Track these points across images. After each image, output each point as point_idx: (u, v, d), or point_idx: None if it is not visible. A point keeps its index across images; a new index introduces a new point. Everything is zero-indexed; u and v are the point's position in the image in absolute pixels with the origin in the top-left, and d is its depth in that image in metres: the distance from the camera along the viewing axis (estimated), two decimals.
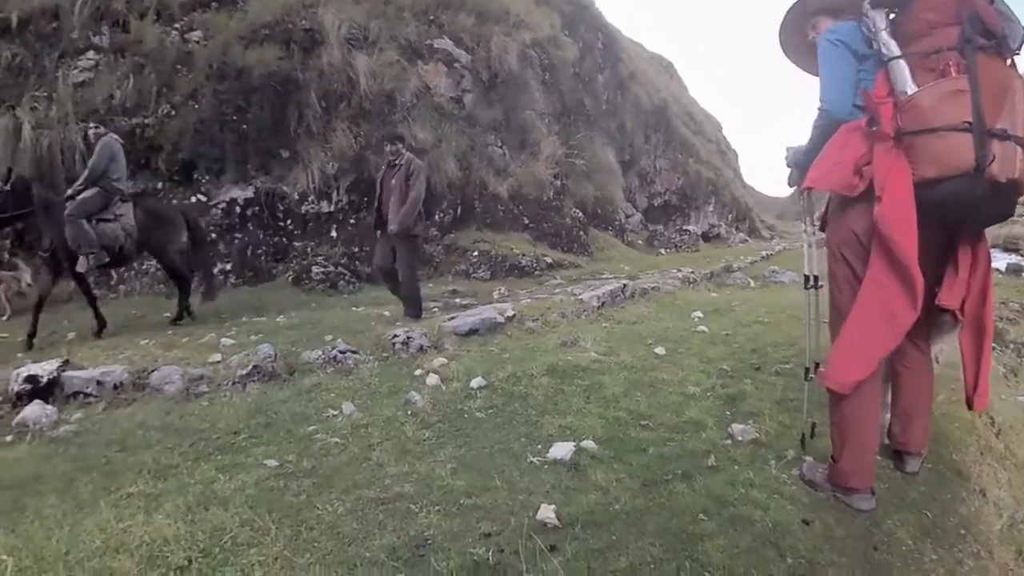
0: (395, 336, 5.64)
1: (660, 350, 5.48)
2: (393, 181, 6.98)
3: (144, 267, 9.56)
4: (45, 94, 9.92)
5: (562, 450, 3.35)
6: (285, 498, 2.96)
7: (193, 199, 9.96)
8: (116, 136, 7.61)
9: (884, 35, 2.62)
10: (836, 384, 2.73)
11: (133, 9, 10.85)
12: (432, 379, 4.73)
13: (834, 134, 2.74)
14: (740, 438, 3.57)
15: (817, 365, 3.55)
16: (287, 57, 10.71)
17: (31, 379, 4.49)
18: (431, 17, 12.78)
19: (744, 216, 25.72)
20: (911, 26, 2.59)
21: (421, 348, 5.56)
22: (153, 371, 4.86)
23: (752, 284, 11.40)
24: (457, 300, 8.68)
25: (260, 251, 10.09)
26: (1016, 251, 27.90)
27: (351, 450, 3.55)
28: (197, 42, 10.77)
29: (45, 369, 4.63)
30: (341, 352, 5.34)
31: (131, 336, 6.87)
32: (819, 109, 2.81)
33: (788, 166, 3.38)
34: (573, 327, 6.43)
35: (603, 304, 7.51)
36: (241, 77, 10.33)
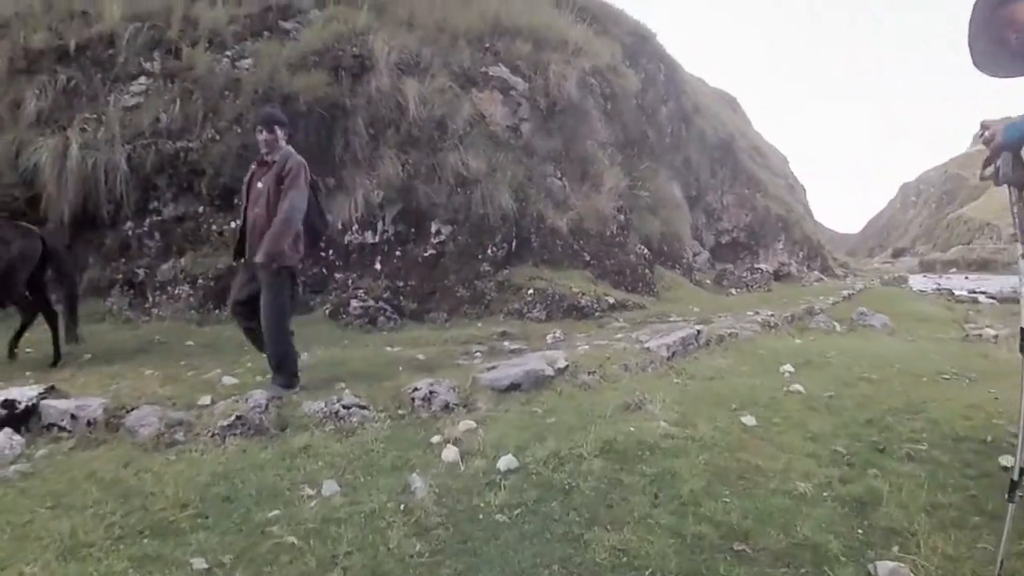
0: (416, 389, 4.53)
1: (749, 419, 4.17)
2: (260, 185, 4.87)
3: (176, 292, 8.91)
4: (95, 116, 9.57)
5: None
6: None
7: (232, 225, 9.21)
8: None
9: None
10: None
11: (186, 37, 10.50)
12: (449, 452, 3.59)
13: None
14: None
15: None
16: (335, 83, 10.00)
17: (8, 404, 4.08)
18: (486, 44, 11.87)
19: (816, 253, 23.71)
20: None
21: (446, 406, 4.44)
22: (132, 410, 4.23)
23: (838, 328, 9.86)
24: (506, 343, 7.53)
25: (298, 282, 9.16)
26: None
27: (307, 562, 2.50)
28: (247, 69, 10.18)
29: (26, 395, 4.21)
30: (346, 407, 4.28)
31: (138, 364, 6.24)
32: None
33: (997, 146, 2.16)
34: (638, 383, 5.16)
35: (673, 354, 6.22)
36: (287, 103, 9.62)
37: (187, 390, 4.97)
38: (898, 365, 6.15)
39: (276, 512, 2.93)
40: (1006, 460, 3.42)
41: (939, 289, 23.68)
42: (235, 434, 3.95)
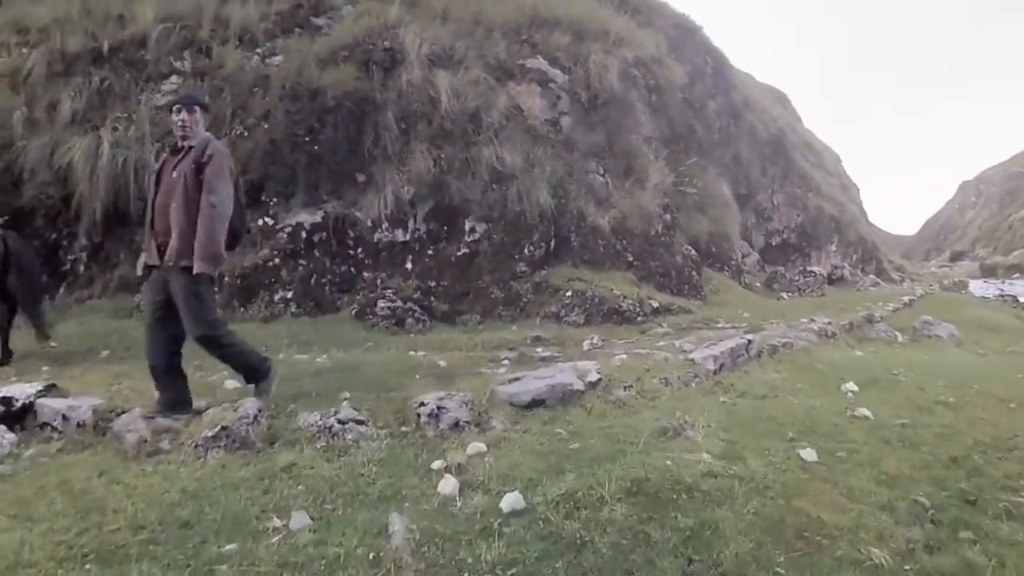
0: (422, 404, 3.95)
1: (808, 453, 3.47)
2: (174, 174, 3.96)
3: None
4: (126, 116, 9.42)
5: None
6: None
7: (260, 222, 8.85)
8: None
9: None
10: None
11: (216, 36, 10.29)
12: (447, 484, 3.01)
13: None
14: None
15: None
16: (365, 77, 9.56)
17: (5, 401, 4.00)
18: (523, 37, 11.25)
19: (871, 256, 22.32)
20: None
21: (455, 424, 3.85)
22: (123, 413, 3.97)
23: (900, 338, 8.96)
24: (538, 350, 6.92)
25: (325, 280, 8.77)
26: None
27: None
28: (276, 66, 9.87)
29: (24, 392, 4.13)
30: (341, 421, 3.76)
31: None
32: None
33: None
34: (679, 401, 4.49)
35: (721, 367, 5.49)
36: (316, 98, 9.28)
37: None
38: (977, 386, 5.35)
39: (233, 547, 2.52)
40: None
41: (1003, 295, 22.04)
42: (218, 447, 3.56)
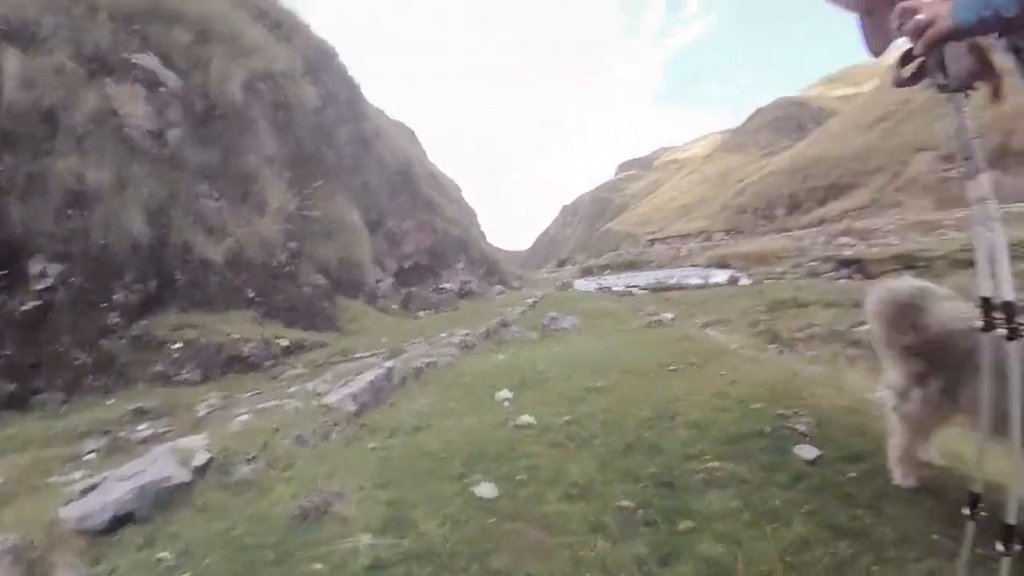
0: None
1: (485, 488, 2.87)
2: None
3: None
4: None
5: None
6: None
7: None
8: None
9: None
10: None
11: None
12: None
13: None
14: None
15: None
16: None
17: None
18: (135, 27, 9.09)
19: (494, 270, 24.35)
20: None
21: None
22: None
23: (534, 336, 9.35)
24: (140, 428, 5.23)
25: None
26: None
27: None
28: None
29: None
30: None
31: None
32: None
33: (940, 34, 1.36)
34: (320, 463, 3.54)
35: (362, 406, 4.67)
36: None
37: None
38: (617, 365, 5.50)
39: None
40: (803, 452, 2.83)
41: (600, 288, 25.73)
42: None
